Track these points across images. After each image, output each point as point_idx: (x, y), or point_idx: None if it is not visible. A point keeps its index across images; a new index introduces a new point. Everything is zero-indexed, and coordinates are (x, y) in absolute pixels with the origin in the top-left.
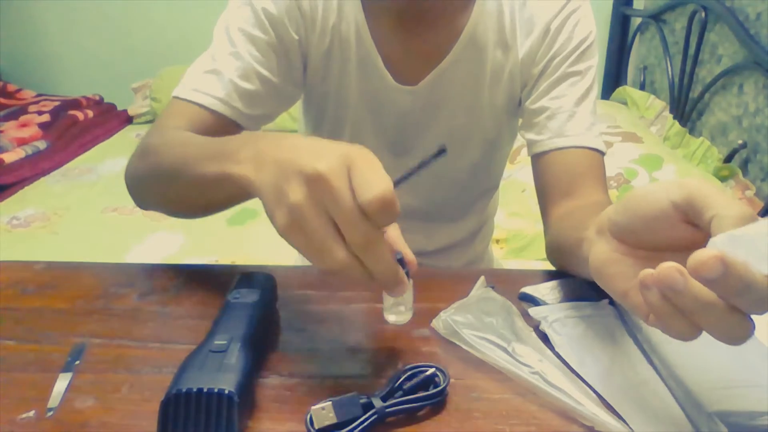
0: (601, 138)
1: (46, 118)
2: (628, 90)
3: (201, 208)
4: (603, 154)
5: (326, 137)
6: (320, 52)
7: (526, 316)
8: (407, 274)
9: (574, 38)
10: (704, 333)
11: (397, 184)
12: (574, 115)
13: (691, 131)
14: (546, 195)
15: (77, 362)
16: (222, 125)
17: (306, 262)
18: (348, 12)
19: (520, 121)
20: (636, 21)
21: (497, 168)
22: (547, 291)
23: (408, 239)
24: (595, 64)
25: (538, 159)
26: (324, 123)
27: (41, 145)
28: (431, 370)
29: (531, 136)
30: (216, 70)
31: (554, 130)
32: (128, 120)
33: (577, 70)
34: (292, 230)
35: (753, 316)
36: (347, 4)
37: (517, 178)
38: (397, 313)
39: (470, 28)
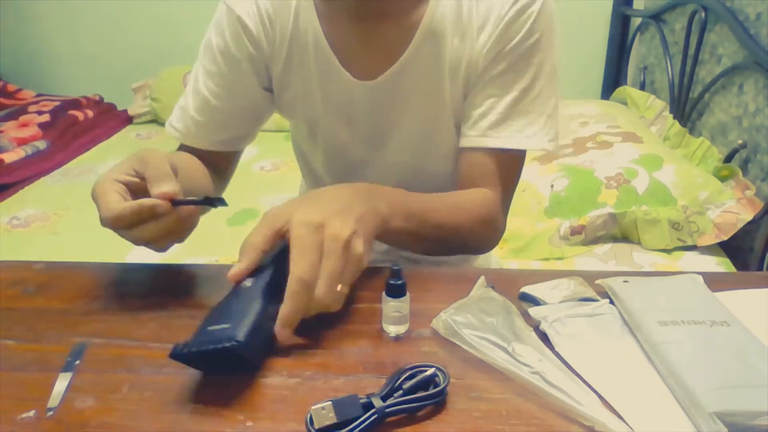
0: (537, 135)
1: (46, 118)
2: (628, 90)
3: None
4: (526, 151)
5: (305, 137)
6: (280, 63)
7: (526, 316)
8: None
9: (520, 34)
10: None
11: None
12: (506, 117)
13: (691, 131)
14: (456, 185)
15: (77, 362)
16: (192, 150)
17: None
18: (304, 19)
19: None
20: (636, 21)
21: None
22: (547, 291)
23: None
24: (539, 61)
25: (461, 151)
26: (299, 125)
27: (41, 145)
28: (431, 370)
29: (462, 128)
30: (183, 106)
31: (481, 130)
32: (128, 120)
33: (517, 69)
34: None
35: (753, 315)
36: (302, 12)
37: None
38: (396, 324)
39: (428, 18)
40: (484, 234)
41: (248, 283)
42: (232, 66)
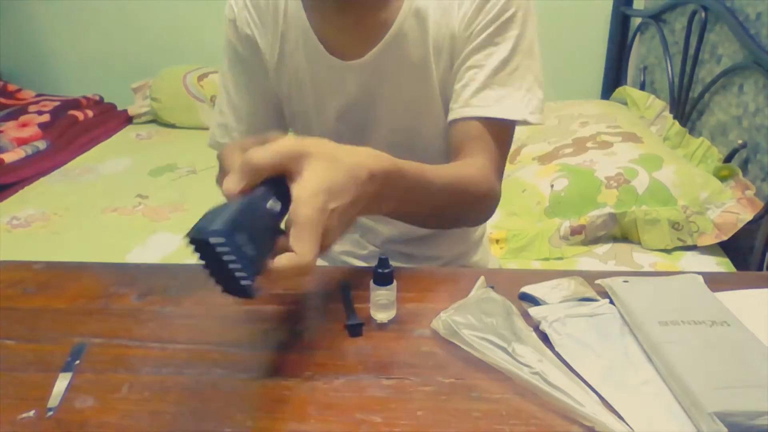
0: (517, 106)
1: (46, 118)
2: (628, 90)
3: None
4: (513, 122)
5: (299, 131)
6: (275, 58)
7: (526, 316)
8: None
9: (497, 8)
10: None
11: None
12: (485, 87)
13: (691, 131)
14: (449, 159)
15: (77, 362)
16: None
17: None
18: (292, 15)
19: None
20: (636, 21)
21: None
22: (547, 291)
23: (392, 223)
24: (516, 35)
25: (449, 125)
26: (291, 104)
27: (41, 145)
28: None
29: (450, 104)
30: (223, 124)
31: (463, 101)
32: (128, 120)
33: (495, 41)
34: None
35: (753, 315)
36: (290, 8)
37: (516, 177)
38: (383, 311)
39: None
40: (482, 208)
41: None
42: (243, 66)
